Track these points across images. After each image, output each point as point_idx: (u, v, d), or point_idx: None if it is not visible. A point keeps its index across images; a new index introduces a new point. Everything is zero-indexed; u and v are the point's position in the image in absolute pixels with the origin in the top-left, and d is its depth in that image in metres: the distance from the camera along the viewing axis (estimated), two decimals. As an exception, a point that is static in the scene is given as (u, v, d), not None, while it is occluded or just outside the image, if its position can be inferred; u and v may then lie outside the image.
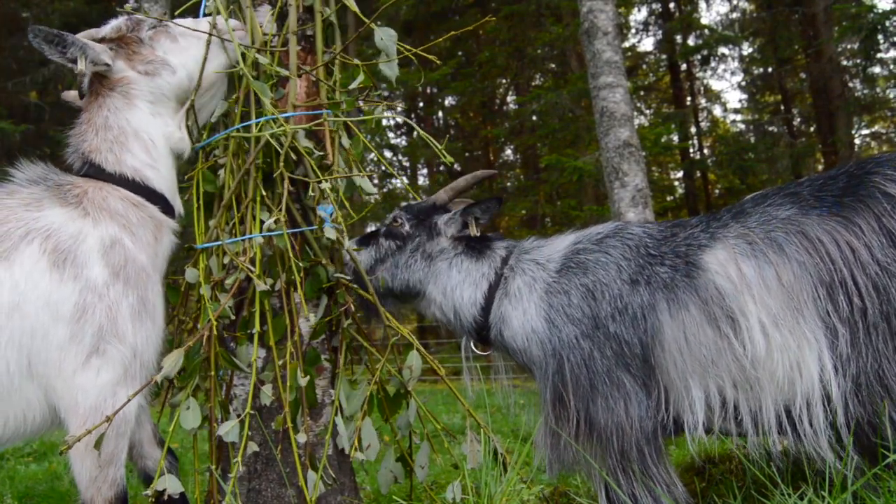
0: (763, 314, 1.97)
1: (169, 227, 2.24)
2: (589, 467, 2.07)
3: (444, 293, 2.44)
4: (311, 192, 2.37)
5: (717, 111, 21.37)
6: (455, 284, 2.42)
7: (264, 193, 2.41)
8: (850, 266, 1.94)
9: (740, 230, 2.10)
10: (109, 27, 2.26)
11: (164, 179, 2.24)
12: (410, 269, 2.47)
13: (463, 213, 2.45)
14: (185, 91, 2.32)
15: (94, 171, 2.17)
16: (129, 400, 1.95)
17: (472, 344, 2.45)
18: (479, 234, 2.48)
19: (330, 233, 2.33)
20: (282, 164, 2.33)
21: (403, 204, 2.58)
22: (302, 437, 2.27)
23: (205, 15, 2.63)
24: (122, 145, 2.19)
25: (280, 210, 2.31)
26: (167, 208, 2.23)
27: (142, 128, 2.22)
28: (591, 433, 2.07)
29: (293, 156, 2.38)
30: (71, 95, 2.36)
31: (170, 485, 2.06)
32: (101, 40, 2.22)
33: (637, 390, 2.08)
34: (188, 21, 2.37)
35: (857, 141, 16.52)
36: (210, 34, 2.35)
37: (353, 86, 2.52)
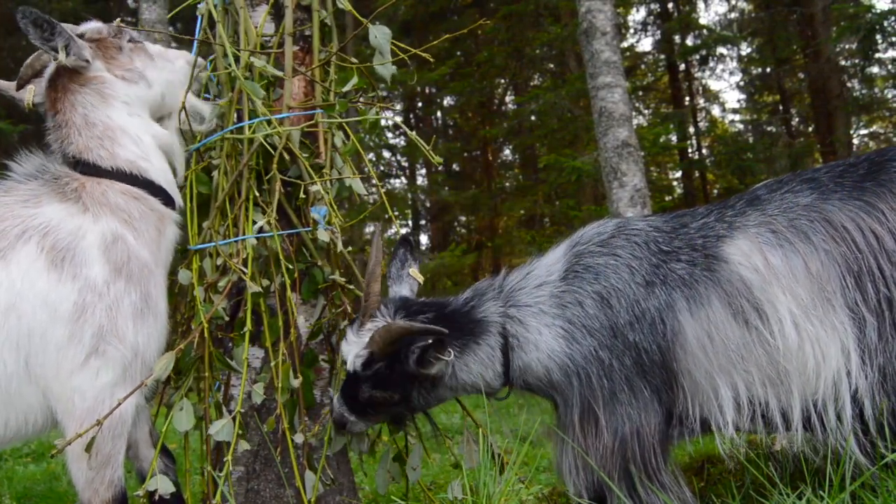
0: (793, 305, 1.92)
1: (172, 219, 2.21)
2: (606, 479, 2.01)
3: (466, 390, 2.22)
4: (302, 194, 2.37)
5: (716, 111, 21.37)
6: (471, 381, 2.18)
7: (258, 194, 2.41)
8: (876, 254, 1.91)
9: (761, 218, 2.04)
10: (90, 27, 2.24)
11: (159, 171, 2.20)
12: (428, 403, 2.24)
13: (420, 362, 2.06)
14: (157, 107, 2.31)
15: (90, 170, 2.12)
16: (120, 403, 1.93)
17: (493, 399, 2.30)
18: (460, 314, 2.20)
19: (323, 235, 2.32)
20: (275, 165, 2.33)
21: (358, 373, 2.12)
22: (299, 438, 2.27)
23: (202, 17, 2.64)
24: (112, 140, 2.14)
25: (271, 211, 2.31)
26: (167, 200, 2.19)
27: (125, 124, 2.17)
28: (613, 442, 2.01)
29: (287, 157, 2.38)
30: (4, 85, 2.30)
31: (161, 485, 2.05)
32: (81, 37, 2.18)
33: (653, 398, 2.03)
34: (163, 49, 2.40)
35: (855, 141, 16.53)
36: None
37: (346, 88, 2.52)
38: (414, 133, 2.47)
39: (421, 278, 2.33)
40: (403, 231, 2.32)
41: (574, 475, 2.09)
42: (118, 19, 2.34)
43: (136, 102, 2.23)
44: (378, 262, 2.21)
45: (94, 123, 2.15)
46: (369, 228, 17.60)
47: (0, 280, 1.89)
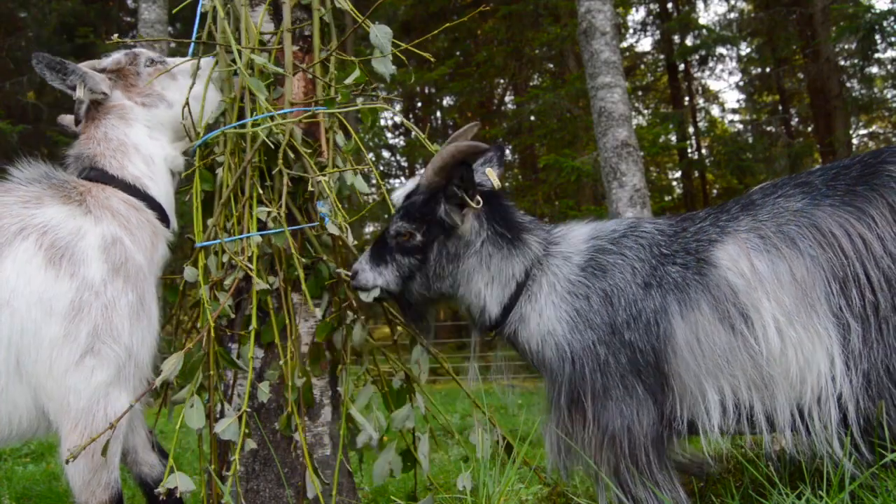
0: (777, 311, 1.93)
1: (164, 235, 2.28)
2: (596, 470, 2.04)
3: (476, 294, 2.24)
4: (311, 188, 2.38)
5: (715, 111, 21.40)
6: (486, 283, 2.22)
7: (261, 191, 2.42)
8: (863, 259, 1.91)
9: (751, 223, 2.06)
10: (110, 60, 2.37)
11: (161, 192, 2.30)
12: (442, 279, 2.23)
13: (447, 196, 2.13)
14: (180, 124, 2.40)
15: (97, 175, 2.20)
16: (130, 406, 1.95)
17: (479, 334, 2.33)
18: (508, 213, 2.25)
19: (333, 229, 2.33)
20: (280, 161, 2.34)
21: (397, 207, 2.24)
22: (304, 435, 2.27)
23: (202, 14, 2.64)
24: (124, 154, 2.26)
25: (280, 207, 2.33)
26: (163, 218, 2.28)
27: (141, 143, 2.29)
28: (603, 437, 2.04)
29: (291, 154, 2.38)
30: (67, 120, 2.45)
31: (181, 483, 2.04)
32: (102, 71, 2.33)
33: (647, 397, 2.05)
34: (186, 63, 2.47)
35: (854, 141, 16.54)
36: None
37: (349, 81, 2.52)
38: (413, 125, 2.48)
39: (497, 182, 2.30)
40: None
41: (562, 454, 2.13)
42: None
43: (156, 125, 2.36)
44: (465, 136, 2.29)
45: (112, 139, 2.28)
46: (369, 228, 17.59)
47: None
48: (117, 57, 2.39)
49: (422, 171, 2.19)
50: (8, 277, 1.90)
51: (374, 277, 2.24)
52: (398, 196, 2.24)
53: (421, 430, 2.57)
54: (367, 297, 2.28)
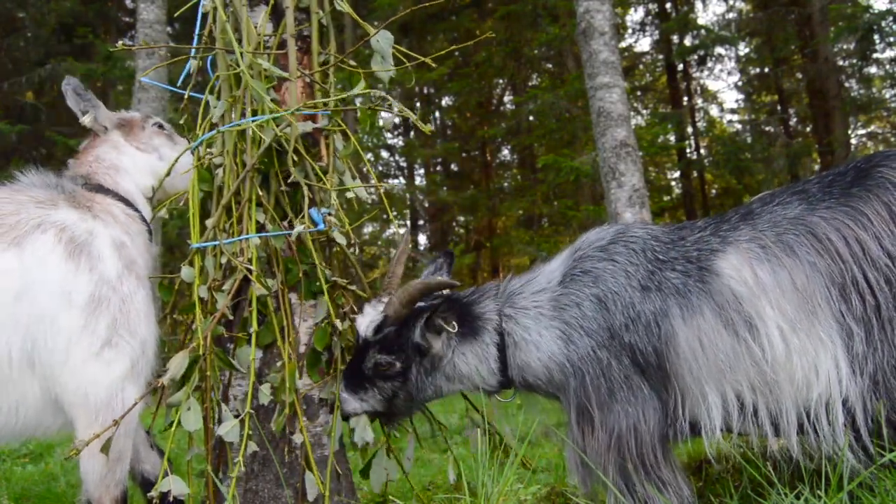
0: (780, 319, 1.97)
1: (152, 250, 2.38)
2: (604, 476, 2.06)
3: (463, 383, 2.34)
4: (326, 201, 2.40)
5: (714, 111, 21.35)
6: (468, 373, 2.30)
7: (260, 194, 2.42)
8: (860, 263, 1.94)
9: (752, 233, 2.09)
10: (126, 115, 2.61)
11: (147, 212, 2.44)
12: (424, 389, 2.33)
13: (427, 325, 2.24)
14: (161, 177, 2.54)
15: (95, 188, 2.30)
16: (139, 400, 2.00)
17: (497, 397, 2.40)
18: (463, 304, 2.33)
19: (339, 238, 2.36)
20: (291, 166, 2.36)
21: (369, 339, 2.30)
22: (298, 438, 2.28)
23: (203, 15, 2.65)
24: (116, 172, 2.40)
25: (303, 215, 2.35)
26: (149, 232, 2.39)
27: (129, 170, 2.44)
28: (609, 439, 2.06)
29: (294, 158, 2.39)
30: None
31: (174, 487, 2.05)
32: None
33: (652, 395, 2.08)
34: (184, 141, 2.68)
35: (853, 141, 16.54)
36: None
37: (353, 92, 2.52)
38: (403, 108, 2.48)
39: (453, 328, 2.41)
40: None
41: (577, 473, 2.16)
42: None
43: (144, 168, 2.50)
44: (404, 252, 2.39)
45: (104, 160, 2.43)
46: (367, 229, 17.59)
47: (13, 266, 1.91)
48: (133, 114, 2.63)
49: (385, 302, 2.31)
50: (28, 267, 1.93)
51: (360, 405, 2.33)
52: (364, 327, 2.29)
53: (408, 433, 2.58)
54: (354, 423, 2.38)
